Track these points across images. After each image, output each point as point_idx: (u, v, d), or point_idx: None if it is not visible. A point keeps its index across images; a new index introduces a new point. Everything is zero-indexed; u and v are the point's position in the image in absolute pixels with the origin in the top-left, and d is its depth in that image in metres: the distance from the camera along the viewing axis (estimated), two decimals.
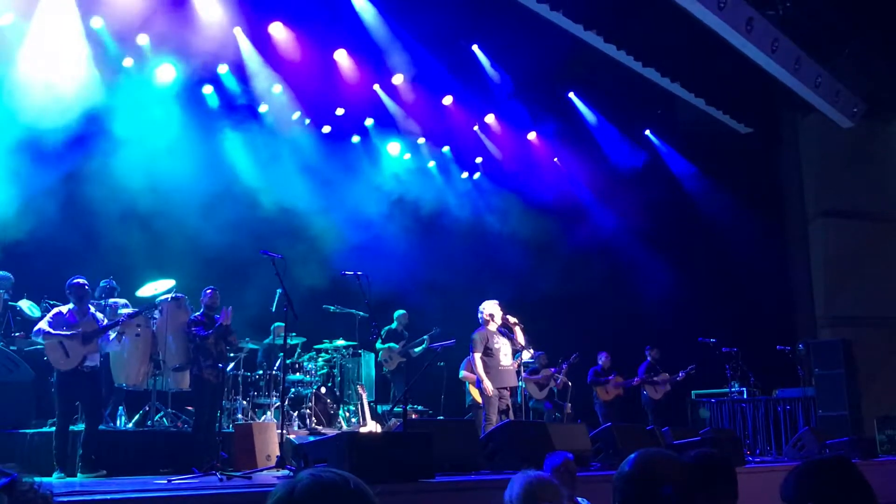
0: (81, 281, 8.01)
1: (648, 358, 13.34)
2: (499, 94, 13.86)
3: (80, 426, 7.81)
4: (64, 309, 7.94)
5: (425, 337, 12.13)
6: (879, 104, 15.09)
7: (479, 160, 15.76)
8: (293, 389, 10.50)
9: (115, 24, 10.69)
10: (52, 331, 7.72)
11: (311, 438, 8.24)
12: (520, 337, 9.38)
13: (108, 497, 4.46)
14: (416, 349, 12.09)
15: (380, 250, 12.86)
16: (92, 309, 8.19)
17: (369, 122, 14.15)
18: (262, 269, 8.60)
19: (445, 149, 15.33)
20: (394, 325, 12.29)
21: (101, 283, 9.41)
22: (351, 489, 1.54)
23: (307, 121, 13.38)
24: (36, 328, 7.86)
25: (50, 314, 7.93)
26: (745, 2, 11.74)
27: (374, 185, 14.08)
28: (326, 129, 13.73)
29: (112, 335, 8.05)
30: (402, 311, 12.44)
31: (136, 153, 10.60)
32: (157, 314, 9.38)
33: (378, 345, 11.59)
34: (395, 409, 10.07)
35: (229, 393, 9.81)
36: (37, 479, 1.53)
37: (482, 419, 9.07)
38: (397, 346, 12.05)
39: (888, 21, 13.31)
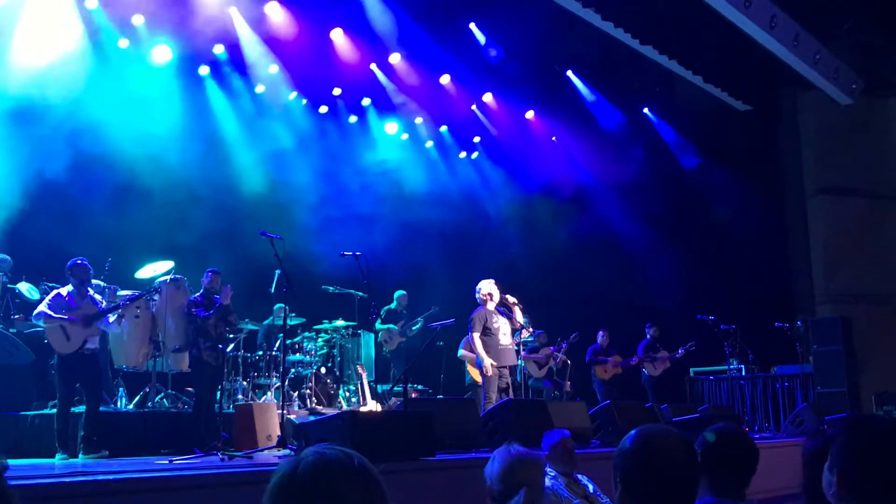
0: (82, 262, 7.97)
1: (648, 336, 13.36)
2: (496, 73, 13.80)
3: (81, 408, 7.82)
4: (63, 291, 7.91)
5: (420, 318, 12.19)
6: (878, 81, 15.04)
7: (477, 139, 15.73)
8: (293, 370, 10.52)
9: (111, 4, 10.62)
10: (52, 314, 7.69)
11: (312, 418, 8.27)
12: (518, 316, 9.39)
13: (111, 478, 4.47)
14: (414, 328, 12.15)
15: (378, 230, 12.86)
16: (91, 291, 8.16)
17: (366, 101, 14.09)
18: (261, 249, 8.58)
19: (443, 128, 15.29)
20: (393, 306, 12.32)
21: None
22: (355, 467, 1.54)
23: (304, 101, 13.33)
24: (36, 311, 7.82)
25: (49, 297, 7.88)
26: None
27: (371, 165, 14.06)
28: (323, 108, 13.69)
29: (112, 318, 8.03)
30: (402, 292, 12.48)
31: (133, 134, 10.56)
32: (156, 296, 9.37)
33: (377, 325, 11.62)
34: (396, 388, 10.10)
35: (229, 374, 9.83)
36: None
37: (482, 398, 9.10)
38: (396, 327, 12.09)
39: None
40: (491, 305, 9.25)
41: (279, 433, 7.60)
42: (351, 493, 1.50)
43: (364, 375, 10.65)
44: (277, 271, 8.98)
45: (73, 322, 7.71)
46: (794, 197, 15.74)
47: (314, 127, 13.47)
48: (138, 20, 10.96)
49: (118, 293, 9.15)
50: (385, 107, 14.09)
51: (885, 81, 15.12)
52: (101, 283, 9.12)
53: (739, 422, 10.41)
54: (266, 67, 12.44)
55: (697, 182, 15.92)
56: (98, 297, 8.26)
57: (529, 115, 15.57)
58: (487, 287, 9.31)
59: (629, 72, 14.40)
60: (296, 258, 10.10)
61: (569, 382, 12.75)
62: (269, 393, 10.11)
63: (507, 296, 9.42)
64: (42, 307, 7.77)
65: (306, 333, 11.10)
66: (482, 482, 3.62)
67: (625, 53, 13.23)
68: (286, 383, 9.39)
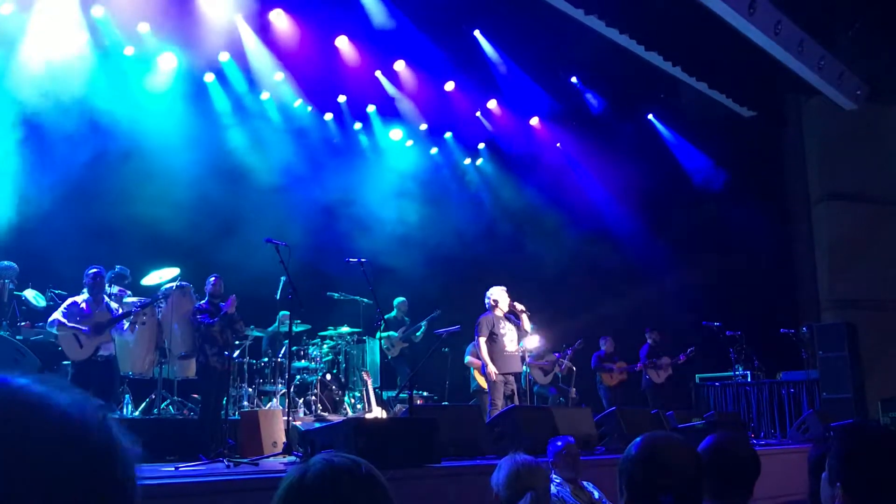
0: (96, 270, 8.10)
1: (649, 341, 13.34)
2: (501, 80, 13.82)
3: None
4: (79, 299, 8.04)
5: (423, 322, 12.13)
6: (882, 86, 15.01)
7: (481, 146, 15.75)
8: (298, 376, 10.52)
9: (117, 12, 10.68)
10: (66, 322, 7.82)
11: (317, 425, 8.27)
12: (526, 324, 9.40)
13: None
14: (417, 333, 12.10)
15: (383, 237, 12.88)
16: (106, 298, 8.26)
17: (371, 108, 14.13)
18: (266, 256, 8.59)
19: (447, 135, 15.31)
20: (393, 313, 12.27)
21: (115, 269, 9.44)
22: (363, 473, 1.55)
23: (309, 108, 13.38)
24: (51, 319, 7.97)
25: (64, 304, 8.02)
26: None
27: (376, 172, 14.09)
28: (328, 115, 13.74)
29: (126, 324, 8.13)
30: (401, 299, 12.44)
31: (138, 140, 10.61)
32: (163, 302, 9.40)
33: (379, 333, 11.60)
34: (401, 395, 10.10)
35: (235, 380, 9.85)
36: None
37: (487, 404, 9.10)
38: (397, 334, 12.06)
39: (891, 3, 13.25)
40: (499, 312, 9.26)
41: (284, 440, 7.60)
42: (359, 501, 1.51)
43: (369, 382, 10.64)
44: (283, 278, 8.99)
45: (83, 329, 7.82)
46: (800, 203, 15.72)
47: (319, 133, 13.51)
48: (144, 28, 11.02)
49: (125, 300, 9.18)
50: (390, 113, 14.13)
51: (890, 87, 15.08)
52: (112, 290, 9.20)
53: (745, 428, 10.37)
54: (271, 74, 12.48)
55: (702, 188, 15.91)
56: (115, 304, 8.34)
57: (534, 121, 15.59)
58: (496, 293, 9.34)
59: (634, 78, 14.40)
60: (301, 265, 10.11)
61: (574, 389, 12.74)
62: (274, 399, 10.12)
63: (516, 303, 9.43)
64: (57, 315, 7.91)
65: (312, 340, 11.11)
66: (487, 489, 3.66)
67: (630, 60, 13.24)
68: (291, 390, 9.40)
